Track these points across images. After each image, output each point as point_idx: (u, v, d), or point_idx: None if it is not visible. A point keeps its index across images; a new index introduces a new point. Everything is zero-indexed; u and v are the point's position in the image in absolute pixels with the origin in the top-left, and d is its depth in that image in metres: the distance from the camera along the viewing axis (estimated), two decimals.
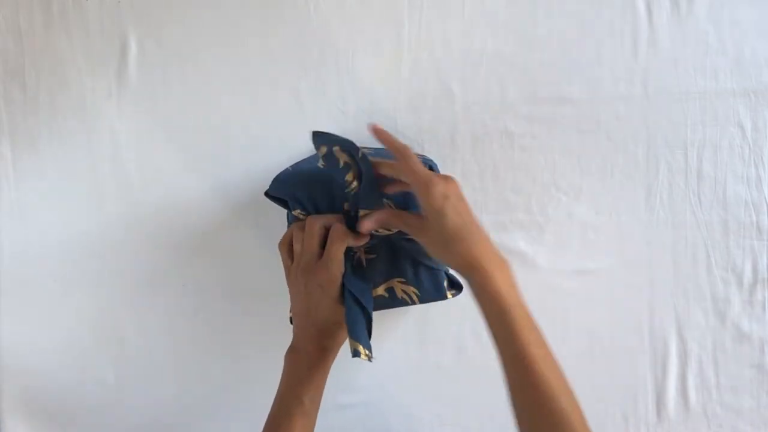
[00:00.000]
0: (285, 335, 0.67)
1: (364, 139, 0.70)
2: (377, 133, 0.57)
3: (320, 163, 0.63)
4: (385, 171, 0.57)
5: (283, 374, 0.61)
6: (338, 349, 0.61)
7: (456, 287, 0.65)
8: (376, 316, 0.67)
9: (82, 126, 0.71)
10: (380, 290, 0.64)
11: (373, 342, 0.71)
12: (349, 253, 0.60)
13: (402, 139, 0.70)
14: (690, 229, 0.69)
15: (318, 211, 0.62)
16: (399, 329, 0.71)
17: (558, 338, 0.70)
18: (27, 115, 0.72)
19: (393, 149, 0.57)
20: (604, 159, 0.69)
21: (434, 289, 0.64)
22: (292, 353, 0.61)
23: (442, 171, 0.68)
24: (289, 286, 0.63)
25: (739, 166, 0.69)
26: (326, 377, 0.61)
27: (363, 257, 0.64)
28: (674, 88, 0.68)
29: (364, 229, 0.58)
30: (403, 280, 0.64)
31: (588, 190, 0.69)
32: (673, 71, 0.68)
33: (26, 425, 0.73)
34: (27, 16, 0.72)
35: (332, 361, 0.61)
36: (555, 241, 0.70)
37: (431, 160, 0.65)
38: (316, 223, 0.59)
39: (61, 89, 0.71)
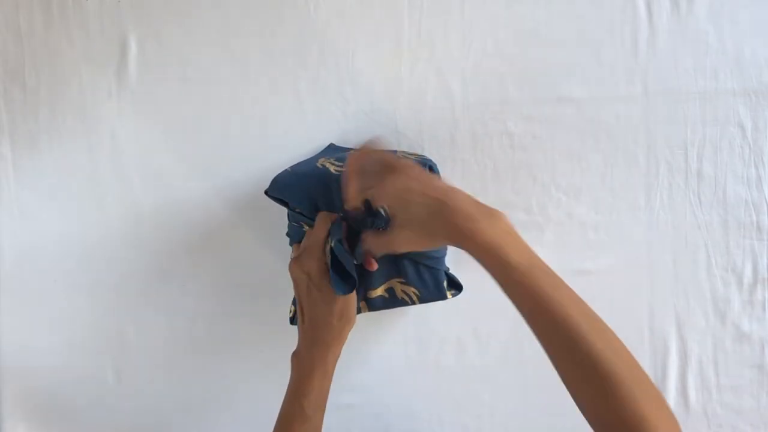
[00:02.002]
0: (284, 335, 0.67)
1: (365, 140, 0.71)
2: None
3: (320, 162, 0.63)
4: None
5: (289, 378, 0.61)
6: (338, 348, 0.61)
7: (456, 287, 0.65)
8: (376, 315, 0.67)
9: (82, 126, 0.71)
10: (380, 290, 0.64)
11: (373, 342, 0.71)
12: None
13: (402, 139, 0.70)
14: (690, 229, 0.69)
15: (319, 210, 0.62)
16: (399, 329, 0.71)
17: None
18: (27, 115, 0.72)
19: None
20: (604, 159, 0.69)
21: (434, 288, 0.64)
22: (294, 357, 0.61)
23: (442, 171, 0.68)
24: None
25: (739, 166, 0.69)
26: (328, 379, 0.60)
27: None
28: (674, 88, 0.68)
29: (373, 268, 0.61)
30: (403, 280, 0.64)
31: (588, 190, 0.69)
32: (673, 71, 0.68)
33: (26, 425, 0.73)
34: (27, 16, 0.72)
35: (333, 362, 0.61)
36: (555, 241, 0.70)
37: (431, 160, 0.65)
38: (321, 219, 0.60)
39: (61, 89, 0.72)
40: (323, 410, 0.60)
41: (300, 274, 0.59)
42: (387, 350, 0.71)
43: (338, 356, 0.61)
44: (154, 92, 0.71)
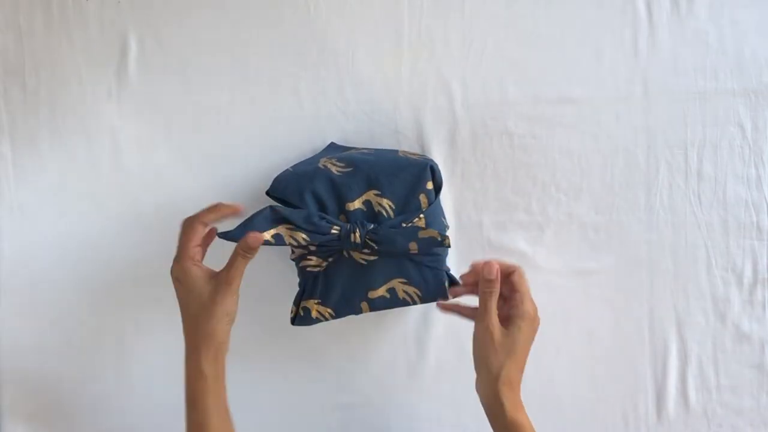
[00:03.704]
0: (284, 335, 0.67)
1: (365, 140, 0.71)
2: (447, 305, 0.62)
3: (321, 163, 0.63)
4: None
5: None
6: (207, 347, 0.57)
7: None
8: (376, 315, 0.67)
9: (82, 126, 0.71)
10: (381, 291, 0.64)
11: (373, 341, 0.71)
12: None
13: (402, 139, 0.70)
14: (690, 229, 0.69)
15: (321, 210, 0.62)
16: (399, 329, 0.71)
17: (558, 338, 0.70)
18: (27, 115, 0.72)
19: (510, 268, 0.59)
20: (604, 159, 0.69)
21: (436, 289, 0.64)
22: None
23: (443, 171, 0.68)
24: None
25: (739, 166, 0.69)
26: (205, 381, 0.57)
27: (360, 258, 0.64)
28: (674, 88, 0.68)
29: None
30: (404, 280, 0.64)
31: (588, 190, 0.69)
32: (673, 71, 0.68)
33: (26, 425, 0.73)
34: (27, 16, 0.72)
35: (209, 363, 0.57)
36: (555, 241, 0.70)
37: (431, 160, 0.65)
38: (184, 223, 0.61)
39: (61, 89, 0.72)
40: (221, 416, 0.58)
41: (173, 280, 0.60)
42: (387, 350, 0.71)
43: (215, 357, 0.57)
44: (154, 92, 0.71)
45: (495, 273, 0.57)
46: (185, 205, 0.71)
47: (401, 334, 0.71)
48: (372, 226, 0.61)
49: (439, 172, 0.64)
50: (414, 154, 0.67)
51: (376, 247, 0.61)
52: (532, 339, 0.58)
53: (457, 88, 0.69)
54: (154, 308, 0.72)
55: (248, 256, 0.58)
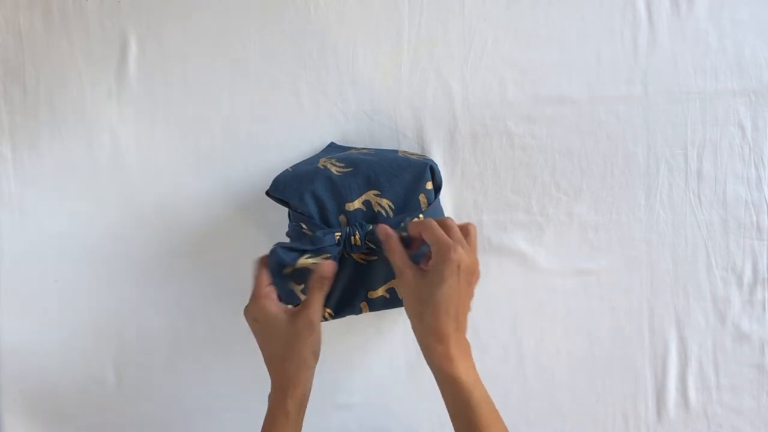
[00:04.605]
0: None
1: (365, 140, 0.71)
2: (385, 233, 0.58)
3: (321, 163, 0.63)
4: (412, 230, 0.58)
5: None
6: (297, 390, 0.58)
7: None
8: (376, 315, 0.67)
9: (82, 126, 0.72)
10: (381, 291, 0.64)
11: (373, 341, 0.71)
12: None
13: (402, 139, 0.70)
14: (690, 229, 0.69)
15: (321, 211, 0.62)
16: (399, 329, 0.71)
17: (558, 338, 0.70)
18: (27, 115, 0.72)
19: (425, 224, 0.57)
20: (604, 159, 0.69)
21: None
22: (268, 398, 0.59)
23: (443, 171, 0.68)
24: None
25: (739, 166, 0.69)
26: (292, 424, 0.58)
27: (360, 259, 0.64)
28: (674, 88, 0.68)
29: (380, 235, 0.59)
30: None
31: (588, 190, 0.69)
32: (673, 71, 0.68)
33: (26, 425, 0.73)
34: (27, 16, 0.72)
35: (295, 405, 0.57)
36: (555, 241, 0.70)
37: (431, 160, 0.65)
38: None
39: (61, 89, 0.72)
40: None
41: (249, 321, 0.60)
42: (387, 350, 0.71)
43: (302, 399, 0.58)
44: (154, 92, 0.71)
45: (383, 232, 0.58)
46: (185, 204, 0.72)
47: (401, 334, 0.71)
48: (371, 227, 0.61)
49: (439, 172, 0.64)
50: (414, 154, 0.67)
51: (375, 248, 0.61)
52: (459, 286, 0.53)
53: (457, 88, 0.69)
54: (154, 308, 0.72)
55: (324, 286, 0.59)
